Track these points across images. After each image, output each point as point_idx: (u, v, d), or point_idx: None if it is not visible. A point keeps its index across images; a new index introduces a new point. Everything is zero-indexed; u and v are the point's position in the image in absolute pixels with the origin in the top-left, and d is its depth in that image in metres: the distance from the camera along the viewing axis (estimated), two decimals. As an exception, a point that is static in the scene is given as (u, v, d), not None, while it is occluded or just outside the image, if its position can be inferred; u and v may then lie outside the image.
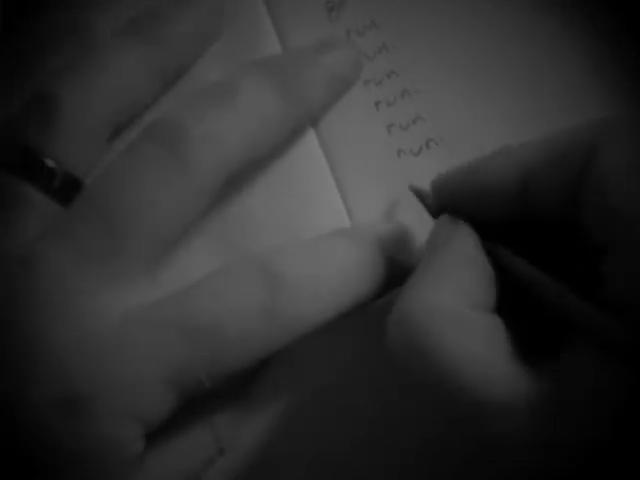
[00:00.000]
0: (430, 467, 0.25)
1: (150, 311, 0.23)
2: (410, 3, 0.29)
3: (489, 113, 0.28)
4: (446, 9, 0.29)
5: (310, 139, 0.28)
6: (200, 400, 0.24)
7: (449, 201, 0.23)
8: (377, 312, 0.24)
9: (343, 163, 0.27)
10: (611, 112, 0.27)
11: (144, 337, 0.22)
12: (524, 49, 0.28)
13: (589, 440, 0.18)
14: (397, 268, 0.25)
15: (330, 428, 0.26)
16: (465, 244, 0.22)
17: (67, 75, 0.25)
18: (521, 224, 0.23)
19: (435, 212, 0.24)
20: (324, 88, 0.26)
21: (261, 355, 0.23)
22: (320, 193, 0.27)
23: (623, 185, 0.20)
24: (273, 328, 0.23)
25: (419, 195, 0.25)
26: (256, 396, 0.26)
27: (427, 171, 0.26)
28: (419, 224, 0.26)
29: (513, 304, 0.22)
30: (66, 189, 0.24)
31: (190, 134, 0.23)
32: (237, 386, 0.26)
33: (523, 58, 0.28)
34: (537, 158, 0.22)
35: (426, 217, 0.25)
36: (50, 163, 0.24)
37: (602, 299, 0.20)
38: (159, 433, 0.24)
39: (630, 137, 0.20)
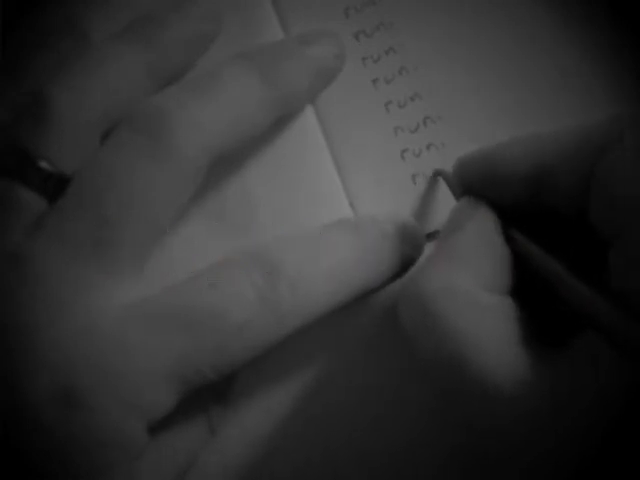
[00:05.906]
0: (423, 465, 0.25)
1: (149, 304, 0.23)
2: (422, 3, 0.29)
3: (496, 118, 0.28)
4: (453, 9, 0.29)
5: (314, 132, 0.27)
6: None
7: (470, 185, 0.24)
8: (379, 303, 0.24)
9: (347, 156, 0.27)
10: (612, 107, 0.27)
11: (144, 331, 0.22)
12: (526, 46, 0.28)
13: (592, 431, 0.18)
14: (399, 259, 0.25)
15: (328, 422, 0.26)
16: (483, 226, 0.22)
17: (61, 75, 0.24)
18: (535, 213, 0.23)
19: (459, 194, 0.25)
20: (307, 78, 0.27)
21: (264, 346, 0.23)
22: (323, 185, 0.27)
23: (631, 176, 0.20)
24: (274, 319, 0.23)
25: (445, 177, 0.26)
26: (253, 384, 0.26)
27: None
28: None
29: (530, 288, 0.22)
30: (59, 190, 0.23)
31: (172, 121, 0.23)
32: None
33: (525, 56, 0.28)
34: (551, 149, 0.22)
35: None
36: (43, 164, 0.23)
37: (608, 291, 0.20)
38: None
39: None
